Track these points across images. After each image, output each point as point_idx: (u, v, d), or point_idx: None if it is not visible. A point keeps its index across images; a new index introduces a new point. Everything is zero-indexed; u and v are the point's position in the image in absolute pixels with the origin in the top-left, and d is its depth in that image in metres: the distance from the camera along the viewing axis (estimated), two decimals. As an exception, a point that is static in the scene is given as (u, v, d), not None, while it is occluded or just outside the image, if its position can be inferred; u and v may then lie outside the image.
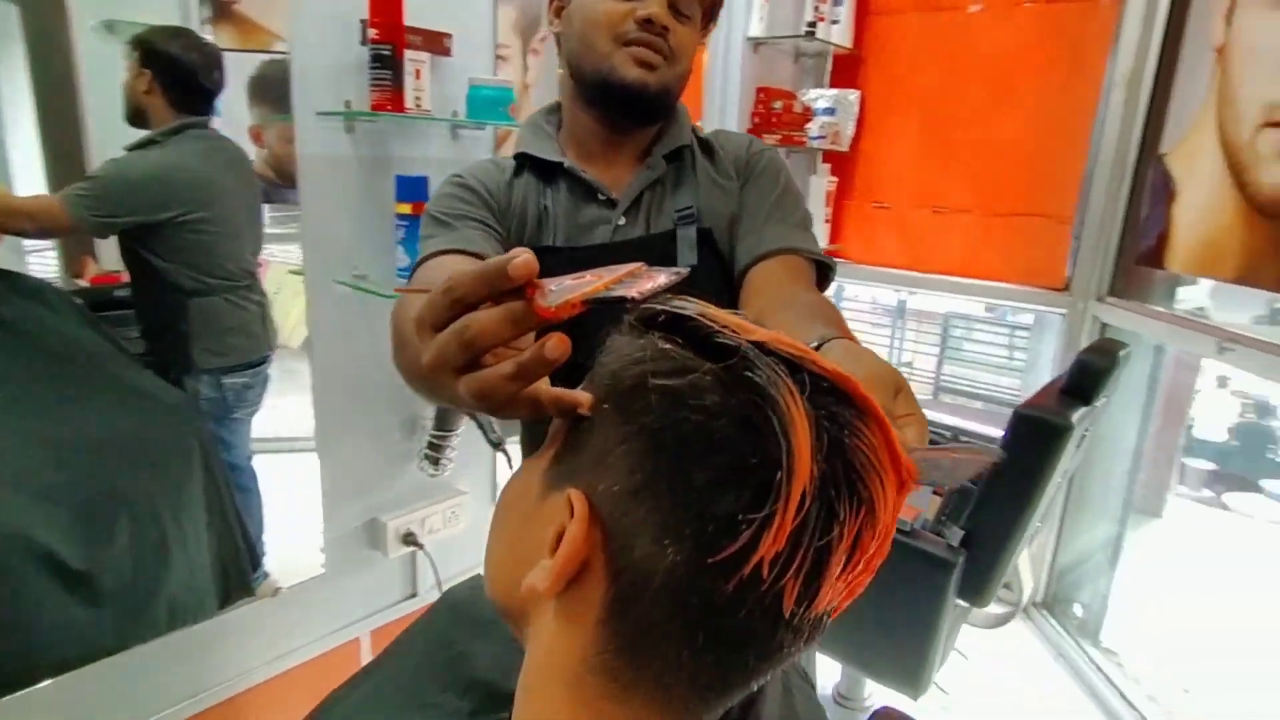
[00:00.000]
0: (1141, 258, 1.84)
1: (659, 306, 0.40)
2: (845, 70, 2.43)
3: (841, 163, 2.47)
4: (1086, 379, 1.18)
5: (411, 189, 1.34)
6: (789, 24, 2.24)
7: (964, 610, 1.40)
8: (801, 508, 0.34)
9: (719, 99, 2.22)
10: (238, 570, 1.35)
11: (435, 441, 1.49)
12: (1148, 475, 2.52)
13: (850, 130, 2.40)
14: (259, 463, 1.40)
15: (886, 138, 2.42)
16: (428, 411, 1.51)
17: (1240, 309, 1.67)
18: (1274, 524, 5.34)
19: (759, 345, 0.37)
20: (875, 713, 0.67)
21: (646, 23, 0.84)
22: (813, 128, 2.27)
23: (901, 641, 1.26)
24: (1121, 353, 1.25)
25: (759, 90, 2.24)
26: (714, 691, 0.38)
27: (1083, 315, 2.03)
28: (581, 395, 0.41)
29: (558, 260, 0.90)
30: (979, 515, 1.21)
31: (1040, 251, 2.11)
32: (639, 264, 0.42)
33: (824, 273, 0.88)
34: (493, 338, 0.36)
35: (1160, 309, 1.81)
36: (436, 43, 1.40)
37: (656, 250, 0.89)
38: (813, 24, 2.13)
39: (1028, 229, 2.14)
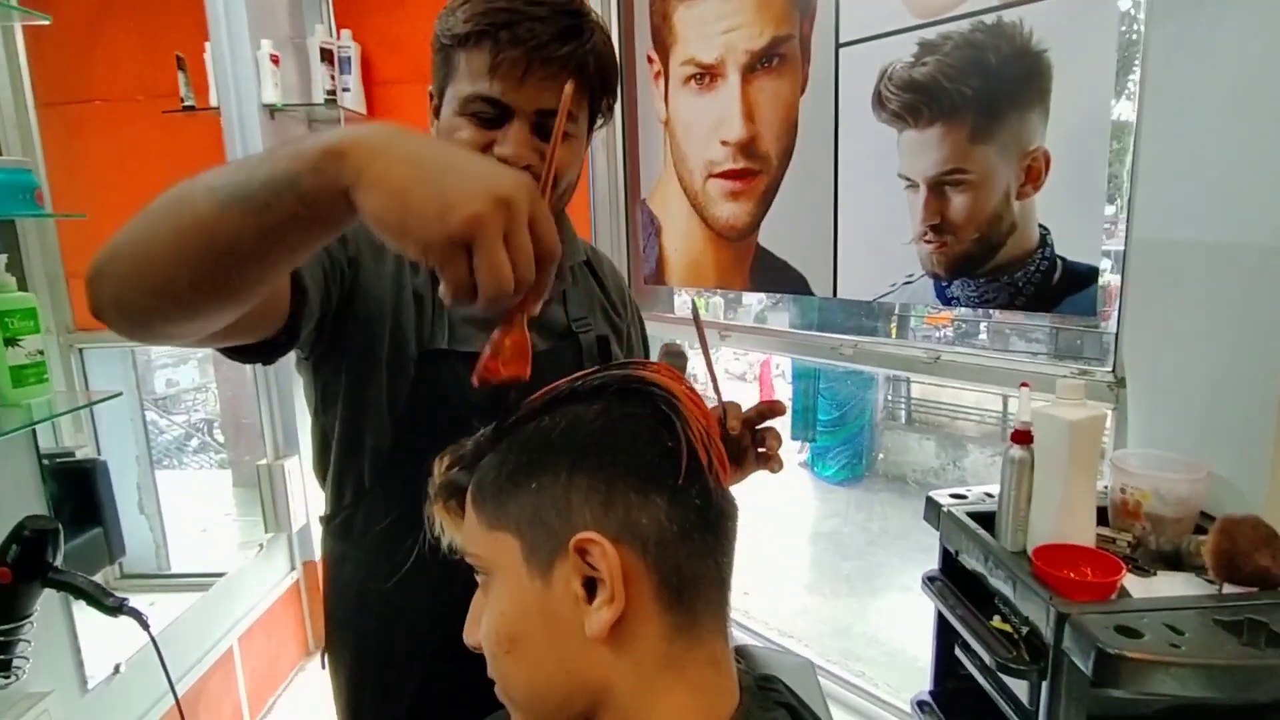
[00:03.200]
0: (648, 278, 2.37)
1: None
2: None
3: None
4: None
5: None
6: (299, 91, 2.19)
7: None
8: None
9: (243, 168, 2.05)
10: None
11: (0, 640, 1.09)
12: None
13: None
14: None
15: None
16: (-30, 607, 1.10)
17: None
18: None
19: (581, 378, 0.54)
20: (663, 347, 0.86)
21: (504, 162, 0.74)
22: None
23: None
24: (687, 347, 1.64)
25: (283, 157, 2.14)
26: (724, 584, 0.52)
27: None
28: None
29: (450, 366, 0.81)
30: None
31: (572, 284, 2.52)
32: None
33: None
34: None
35: (669, 314, 2.36)
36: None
37: (566, 361, 0.86)
38: (332, 91, 2.14)
39: (558, 267, 2.52)
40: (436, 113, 0.83)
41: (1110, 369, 1.36)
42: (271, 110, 2.09)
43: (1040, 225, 1.41)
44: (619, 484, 0.48)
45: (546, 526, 0.48)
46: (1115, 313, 1.35)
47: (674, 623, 0.48)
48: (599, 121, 0.86)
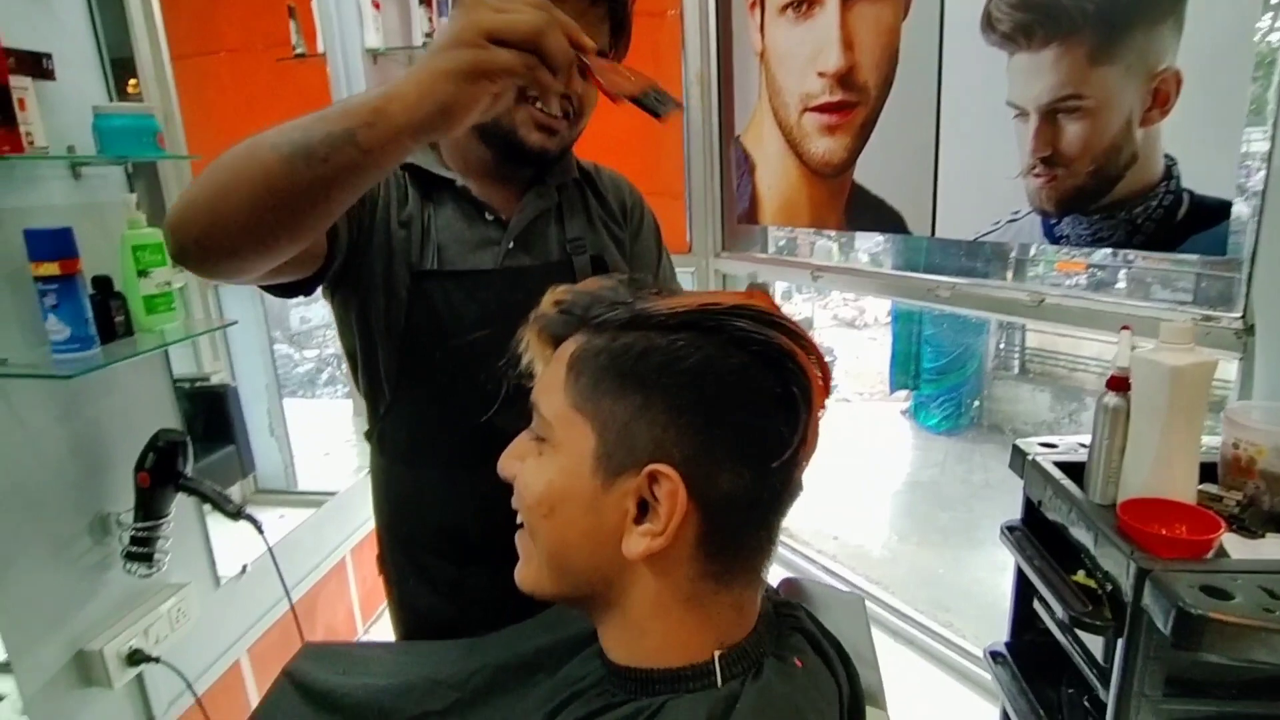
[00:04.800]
0: (741, 217, 2.32)
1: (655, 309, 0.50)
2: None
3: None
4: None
5: (52, 245, 1.09)
6: (400, 35, 2.25)
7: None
8: (812, 419, 0.49)
9: (349, 112, 2.14)
10: None
11: (142, 535, 1.25)
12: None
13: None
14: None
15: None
16: (120, 504, 1.26)
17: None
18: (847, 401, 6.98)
19: (733, 313, 0.49)
20: (780, 583, 0.83)
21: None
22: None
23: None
24: (770, 288, 1.61)
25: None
26: (770, 547, 0.52)
27: (706, 269, 2.48)
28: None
29: (439, 285, 0.85)
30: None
31: (666, 223, 2.49)
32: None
33: None
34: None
35: (763, 255, 2.32)
36: (34, 65, 1.15)
37: (553, 279, 0.87)
38: (430, 33, 2.18)
39: (653, 206, 2.51)
40: None
41: (1239, 314, 1.23)
42: (374, 55, 2.16)
43: (1166, 155, 1.28)
44: (720, 442, 0.47)
45: (632, 442, 0.48)
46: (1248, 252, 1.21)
47: (708, 570, 0.49)
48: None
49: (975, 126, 1.58)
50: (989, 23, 1.50)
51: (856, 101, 1.83)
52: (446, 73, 0.53)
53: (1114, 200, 1.36)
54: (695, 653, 0.49)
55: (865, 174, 1.86)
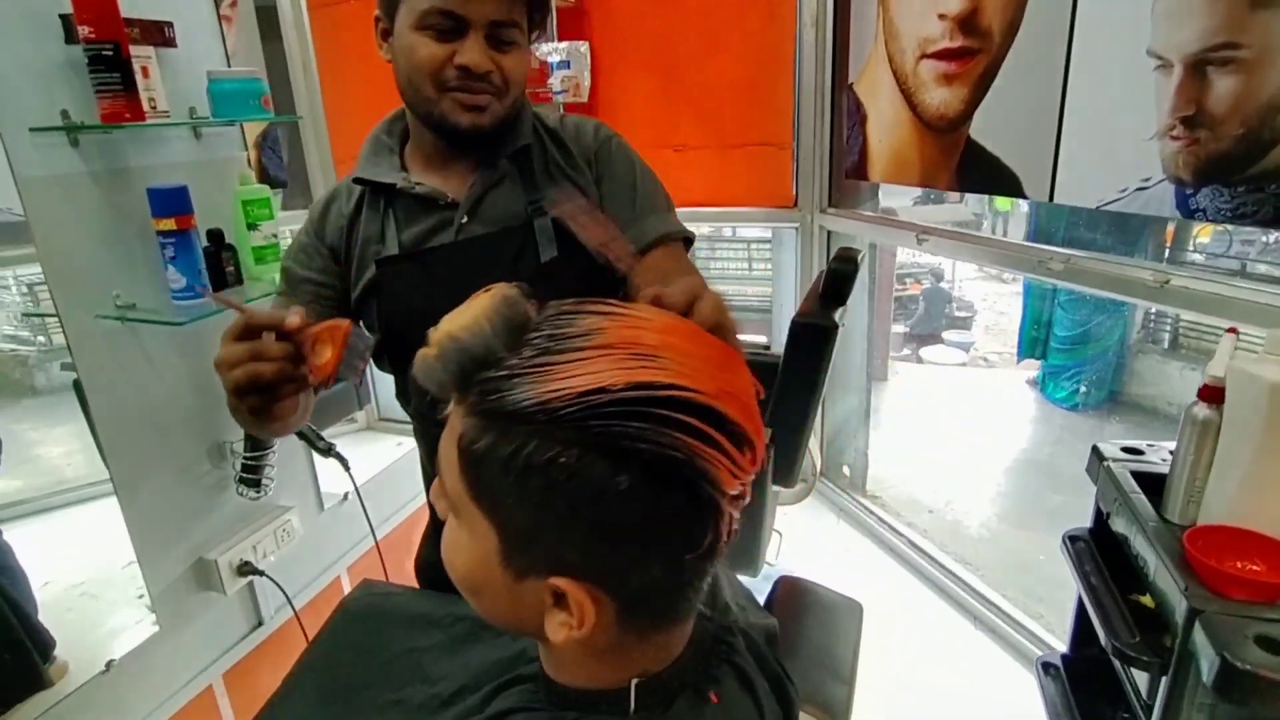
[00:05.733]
0: (849, 172, 2.20)
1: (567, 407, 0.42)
2: (570, 24, 2.51)
3: (583, 113, 2.57)
4: (840, 284, 1.43)
5: (170, 202, 1.22)
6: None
7: (776, 493, 1.65)
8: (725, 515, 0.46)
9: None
10: (25, 665, 1.19)
11: (251, 463, 1.41)
12: (875, 349, 3.05)
13: (587, 81, 2.51)
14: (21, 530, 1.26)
15: (620, 86, 2.56)
16: (234, 434, 1.42)
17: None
18: (952, 366, 6.64)
19: (623, 409, 0.42)
20: (778, 580, 0.83)
21: (466, 70, 0.83)
22: (554, 82, 2.34)
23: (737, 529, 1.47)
24: (860, 257, 1.53)
25: (497, 50, 2.25)
26: (699, 595, 0.51)
27: (811, 226, 2.38)
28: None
29: (396, 268, 0.92)
30: (778, 413, 1.44)
31: (770, 176, 2.42)
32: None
33: (688, 243, 0.98)
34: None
35: (870, 214, 2.19)
36: (157, 33, 1.26)
37: (513, 244, 0.90)
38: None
39: (757, 157, 2.42)
40: (385, 35, 0.90)
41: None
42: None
43: (1333, 120, 1.08)
44: (623, 554, 0.45)
45: (532, 552, 0.46)
46: None
47: (630, 629, 0.49)
48: (535, 33, 0.91)
49: (1108, 79, 1.40)
50: (1135, -43, 1.30)
51: (978, 48, 1.66)
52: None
53: (1263, 170, 1.17)
54: (614, 681, 0.51)
55: (982, 129, 1.70)
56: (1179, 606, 0.76)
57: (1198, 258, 4.74)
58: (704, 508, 0.44)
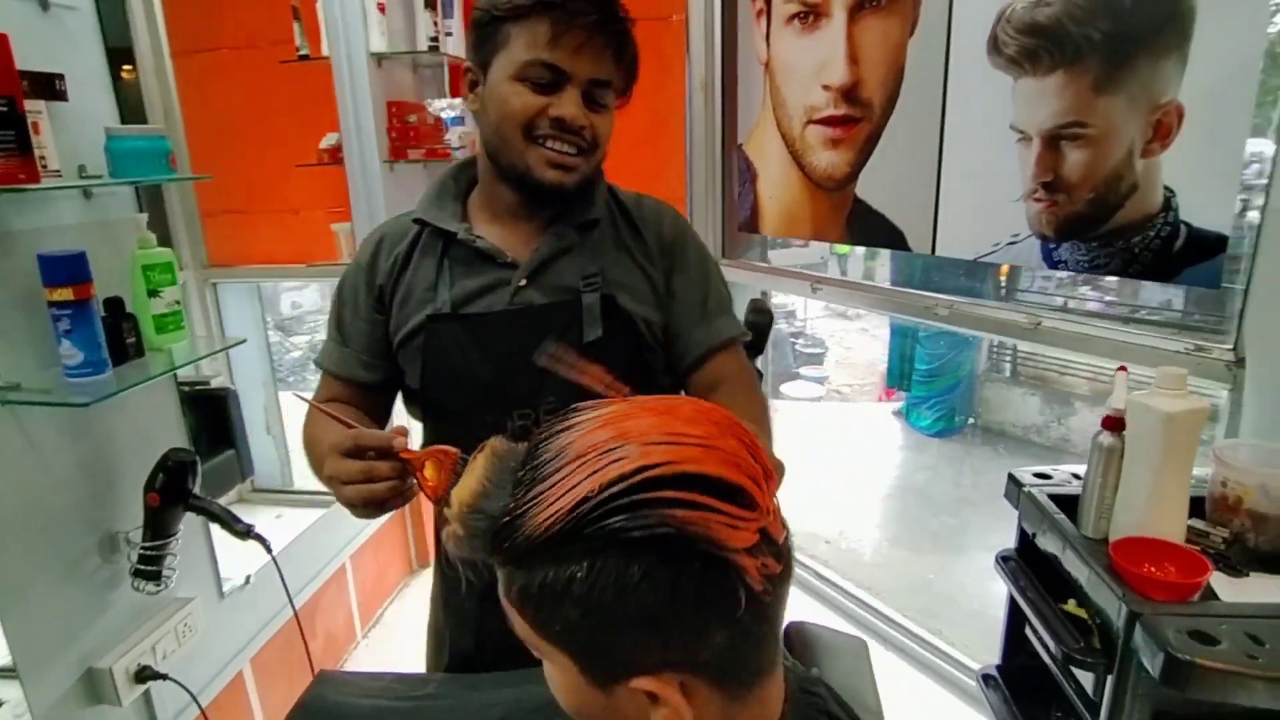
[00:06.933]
0: (742, 225, 2.34)
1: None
2: (459, 79, 2.51)
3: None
4: (759, 336, 1.52)
5: (65, 269, 1.10)
6: (405, 38, 2.24)
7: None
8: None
9: (353, 115, 2.14)
10: None
11: (150, 553, 1.26)
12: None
13: (480, 136, 2.51)
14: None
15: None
16: (129, 523, 1.28)
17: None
18: (808, 401, 7.07)
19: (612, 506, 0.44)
20: (787, 627, 0.86)
21: (561, 122, 0.83)
22: (452, 139, 2.33)
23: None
24: (771, 306, 1.63)
25: (390, 104, 2.22)
26: (778, 640, 0.53)
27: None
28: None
29: (446, 327, 0.89)
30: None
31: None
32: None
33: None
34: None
35: (763, 265, 2.33)
36: (48, 87, 1.15)
37: (562, 319, 0.89)
38: (434, 38, 2.18)
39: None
40: (473, 86, 0.90)
41: (1230, 346, 1.26)
42: (379, 58, 2.16)
43: (1165, 187, 1.30)
44: (677, 634, 0.46)
45: (605, 663, 0.48)
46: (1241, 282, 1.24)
47: (732, 694, 0.50)
48: (619, 100, 0.93)
49: (978, 148, 1.60)
50: (995, 46, 1.51)
51: (860, 117, 1.84)
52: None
53: (1113, 228, 1.38)
54: None
55: (868, 189, 1.88)
56: (1118, 612, 0.87)
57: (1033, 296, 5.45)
58: (721, 568, 0.46)
